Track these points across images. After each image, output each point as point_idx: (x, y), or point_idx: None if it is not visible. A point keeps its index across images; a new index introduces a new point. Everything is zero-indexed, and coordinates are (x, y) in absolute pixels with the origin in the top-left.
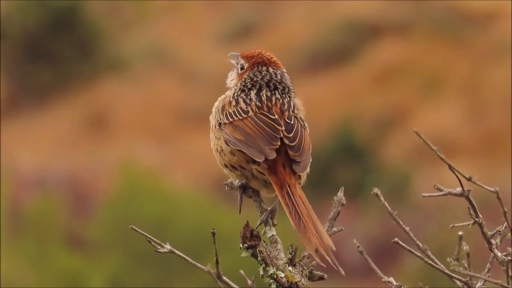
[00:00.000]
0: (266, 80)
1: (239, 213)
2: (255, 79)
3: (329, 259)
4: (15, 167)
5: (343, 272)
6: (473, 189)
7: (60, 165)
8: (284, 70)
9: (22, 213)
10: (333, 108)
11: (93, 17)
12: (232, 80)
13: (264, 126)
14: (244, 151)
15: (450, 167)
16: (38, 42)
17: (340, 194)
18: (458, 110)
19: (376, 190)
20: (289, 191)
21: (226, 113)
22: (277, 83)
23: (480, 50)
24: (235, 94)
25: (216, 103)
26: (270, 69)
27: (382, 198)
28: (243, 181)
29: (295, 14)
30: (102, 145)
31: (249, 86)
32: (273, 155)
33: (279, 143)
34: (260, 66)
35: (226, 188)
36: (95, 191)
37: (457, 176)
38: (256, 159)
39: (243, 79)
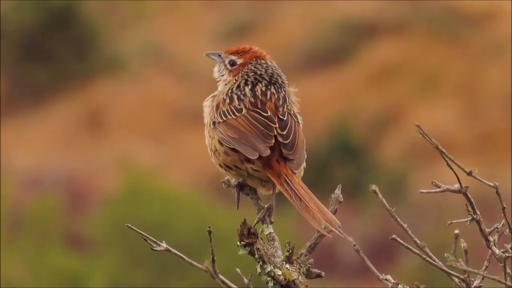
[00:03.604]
0: (270, 74)
1: (237, 209)
2: (258, 72)
3: (335, 230)
4: (12, 166)
5: (351, 239)
6: (471, 187)
7: (56, 164)
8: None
9: (19, 212)
10: (329, 107)
11: (90, 16)
12: (223, 75)
13: (257, 124)
14: (238, 149)
15: (449, 162)
16: (35, 41)
17: (338, 191)
18: (454, 109)
19: (374, 187)
20: (287, 179)
21: (220, 111)
22: (277, 77)
23: (477, 49)
24: (229, 91)
25: (207, 102)
26: (269, 62)
27: (380, 195)
28: (240, 180)
29: (291, 13)
30: (99, 144)
31: (251, 80)
32: (267, 152)
33: (273, 141)
34: (259, 60)
35: (223, 186)
36: (92, 190)
37: (455, 173)
38: (250, 157)
39: (243, 72)
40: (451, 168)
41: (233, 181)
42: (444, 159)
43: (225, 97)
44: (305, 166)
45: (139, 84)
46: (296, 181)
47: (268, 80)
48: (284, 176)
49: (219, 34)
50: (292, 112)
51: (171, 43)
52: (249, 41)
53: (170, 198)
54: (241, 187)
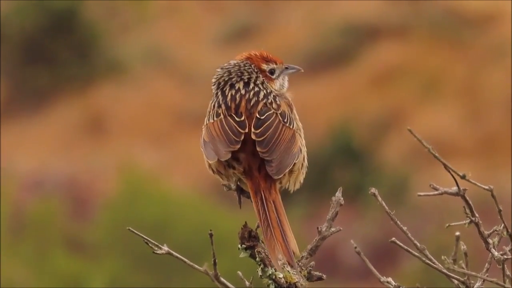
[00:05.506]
0: (228, 70)
1: (240, 208)
2: (220, 74)
3: (289, 267)
4: (13, 169)
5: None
6: (472, 190)
7: (58, 167)
8: (247, 62)
9: (21, 216)
10: (331, 110)
11: (92, 19)
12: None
13: (228, 130)
14: (203, 152)
15: (445, 165)
16: (36, 44)
17: (338, 194)
18: (456, 112)
19: (373, 190)
20: (263, 197)
21: (209, 115)
22: (231, 70)
23: (478, 52)
24: (214, 97)
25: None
26: (230, 64)
27: (379, 198)
28: (238, 183)
29: (293, 16)
30: (100, 148)
31: (221, 86)
32: (226, 157)
33: (238, 146)
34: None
35: (225, 189)
36: (93, 194)
37: (452, 175)
38: (209, 161)
39: (214, 79)
40: (448, 171)
41: (233, 184)
42: (442, 162)
43: (211, 102)
44: (306, 164)
45: (140, 88)
46: (272, 199)
47: (228, 78)
48: (261, 192)
49: (221, 37)
50: (280, 112)
51: (173, 47)
52: (251, 44)
53: (171, 201)
54: (241, 190)
